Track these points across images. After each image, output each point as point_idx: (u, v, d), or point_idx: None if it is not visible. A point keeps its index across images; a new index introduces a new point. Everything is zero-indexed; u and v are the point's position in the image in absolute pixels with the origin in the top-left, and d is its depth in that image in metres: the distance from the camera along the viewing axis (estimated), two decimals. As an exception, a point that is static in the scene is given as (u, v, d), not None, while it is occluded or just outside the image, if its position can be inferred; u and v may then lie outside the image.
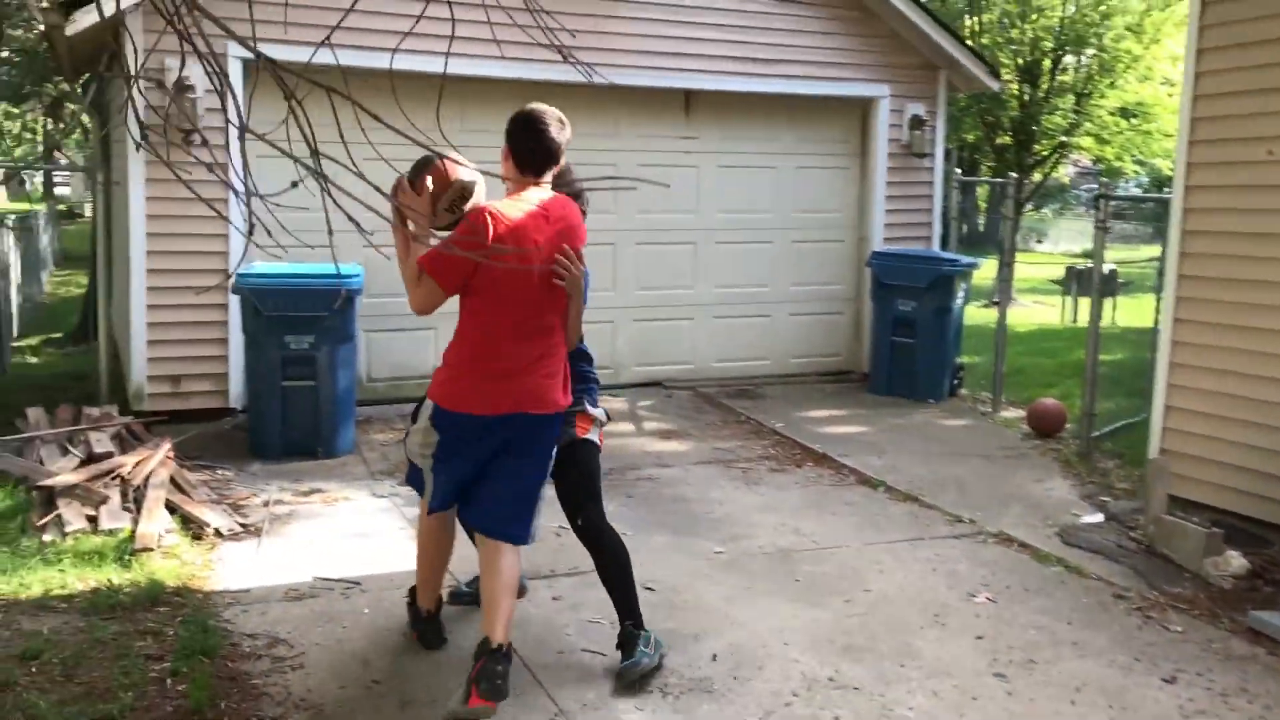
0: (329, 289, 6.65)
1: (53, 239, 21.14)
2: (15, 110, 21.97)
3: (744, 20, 8.78)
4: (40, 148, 25.61)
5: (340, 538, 5.51)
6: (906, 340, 8.92)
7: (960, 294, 8.99)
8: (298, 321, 6.66)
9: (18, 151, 27.63)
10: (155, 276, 7.29)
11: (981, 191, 33.35)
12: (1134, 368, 9.22)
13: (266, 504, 6.02)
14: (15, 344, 12.43)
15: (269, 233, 2.34)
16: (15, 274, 13.42)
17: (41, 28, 6.57)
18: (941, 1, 22.18)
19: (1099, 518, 6.15)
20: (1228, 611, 4.86)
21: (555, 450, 4.09)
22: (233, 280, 6.73)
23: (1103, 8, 19.74)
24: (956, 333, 9.13)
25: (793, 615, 4.67)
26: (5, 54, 16.08)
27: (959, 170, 10.64)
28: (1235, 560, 5.23)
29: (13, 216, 14.77)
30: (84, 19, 6.76)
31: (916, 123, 9.37)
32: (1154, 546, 5.59)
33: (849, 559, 5.38)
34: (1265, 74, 5.50)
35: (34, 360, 11.75)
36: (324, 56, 6.86)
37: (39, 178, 32.02)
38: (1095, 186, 30.24)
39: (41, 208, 21.86)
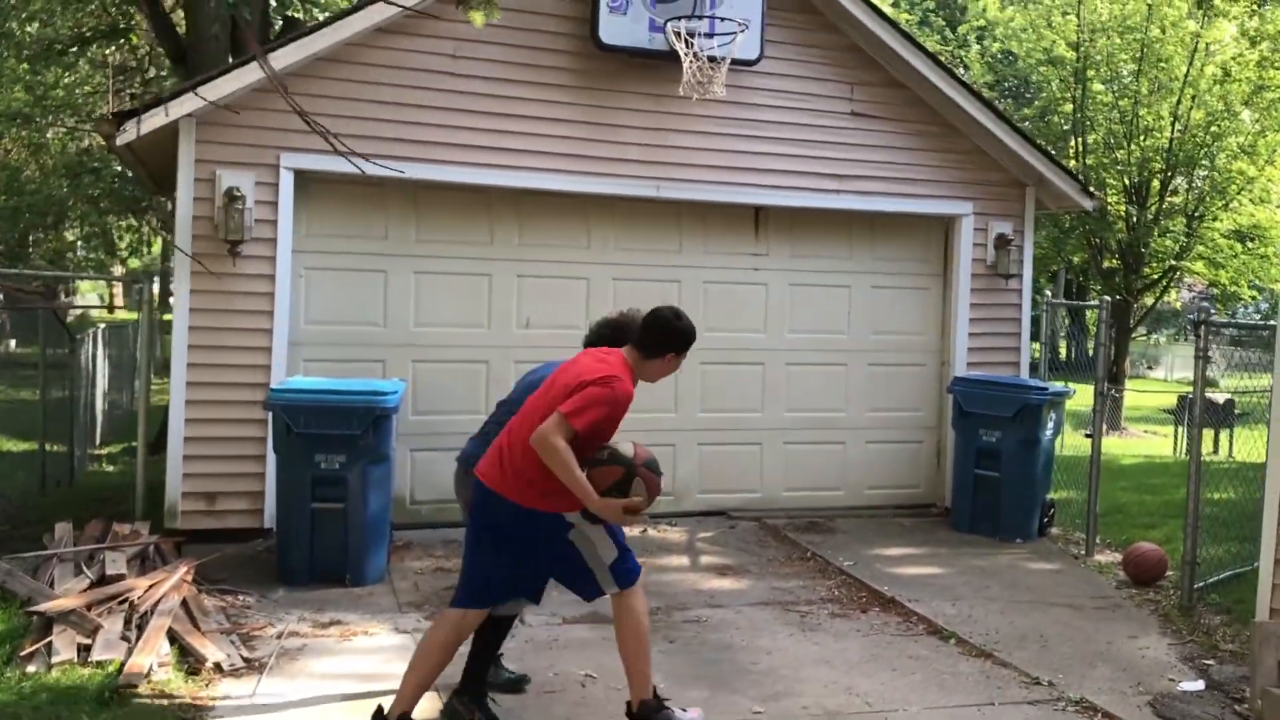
0: (363, 406, 6.37)
1: (155, 346, 21.68)
2: (135, 221, 22.65)
3: (816, 135, 8.45)
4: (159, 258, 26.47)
5: (347, 679, 5.09)
6: (991, 473, 8.26)
7: (1050, 424, 8.33)
8: (329, 440, 6.36)
9: (134, 263, 28.67)
10: (195, 390, 7.11)
11: (1091, 315, 32.37)
12: (1247, 509, 8.37)
13: (280, 635, 5.65)
14: (97, 451, 12.51)
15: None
16: (103, 381, 13.58)
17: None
18: (1043, 121, 21.75)
19: (1199, 685, 5.39)
20: (1353, 814, 4.10)
21: None
22: (266, 395, 6.49)
23: (1214, 128, 19.05)
24: (1046, 466, 8.44)
25: (829, 796, 4.07)
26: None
27: (1047, 293, 10.03)
28: (1362, 749, 4.46)
29: (104, 325, 15.05)
30: (132, 129, 6.72)
31: (1002, 242, 8.86)
32: (1264, 726, 4.83)
33: (904, 726, 4.76)
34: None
35: (110, 469, 11.74)
36: (384, 170, 6.63)
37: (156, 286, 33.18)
38: (1213, 311, 29.13)
39: (135, 316, 22.53)
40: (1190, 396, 13.65)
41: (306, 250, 7.48)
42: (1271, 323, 5.75)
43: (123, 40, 15.60)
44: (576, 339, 8.18)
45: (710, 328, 8.54)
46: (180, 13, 13.23)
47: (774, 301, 8.74)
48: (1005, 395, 8.19)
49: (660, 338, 4.76)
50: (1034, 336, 9.56)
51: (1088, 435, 8.28)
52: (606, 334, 5.24)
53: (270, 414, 6.49)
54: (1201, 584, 6.96)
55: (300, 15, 13.02)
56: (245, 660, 5.23)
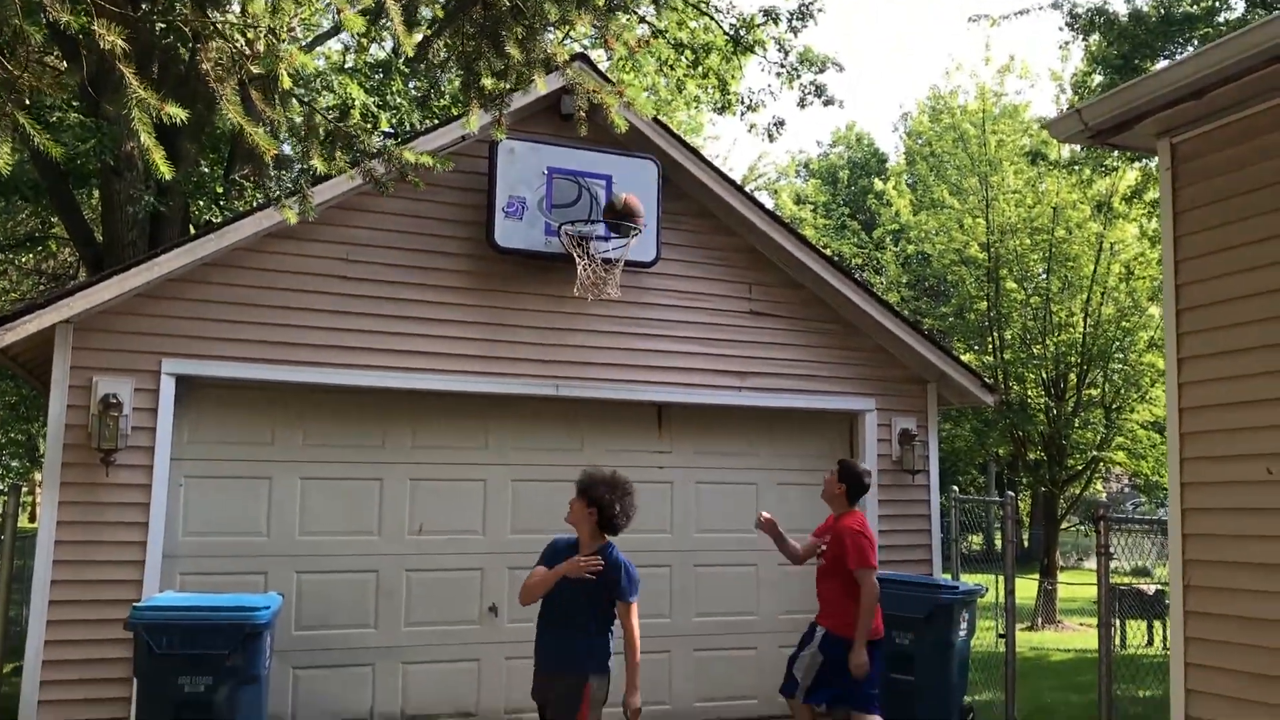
0: (231, 623, 5.99)
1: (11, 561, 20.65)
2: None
3: (716, 334, 8.48)
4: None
5: None
6: (905, 677, 7.94)
7: (964, 624, 8.09)
8: (194, 660, 5.95)
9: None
10: (57, 609, 6.66)
11: (1024, 505, 32.46)
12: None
13: None
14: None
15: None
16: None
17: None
18: (960, 318, 22.30)
19: None
20: None
21: None
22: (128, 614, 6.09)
23: (1125, 323, 19.61)
24: (962, 668, 8.15)
25: None
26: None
27: (954, 489, 9.98)
28: None
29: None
30: (9, 335, 6.52)
31: (906, 437, 8.82)
32: None
33: None
34: (1254, 384, 4.92)
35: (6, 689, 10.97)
36: (271, 373, 6.55)
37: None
38: (1141, 502, 29.26)
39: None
40: (1119, 588, 13.53)
41: (187, 458, 7.21)
42: (1162, 516, 5.67)
43: (40, 248, 15.56)
44: (472, 544, 7.96)
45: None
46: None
47: (679, 500, 8.55)
48: (916, 595, 7.96)
49: None
50: (944, 533, 9.39)
51: (1001, 635, 8.03)
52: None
53: (133, 634, 6.07)
54: (1125, 794, 6.65)
55: (219, 219, 13.11)
56: None
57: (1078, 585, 22.98)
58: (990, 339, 20.87)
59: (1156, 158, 5.55)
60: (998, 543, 28.18)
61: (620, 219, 7.56)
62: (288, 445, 7.53)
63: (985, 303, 21.16)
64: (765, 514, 6.77)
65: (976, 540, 32.40)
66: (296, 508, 7.50)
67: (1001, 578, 8.29)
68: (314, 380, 7.36)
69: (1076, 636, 17.74)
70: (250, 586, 7.17)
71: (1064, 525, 23.10)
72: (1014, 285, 21.05)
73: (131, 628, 6.01)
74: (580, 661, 5.31)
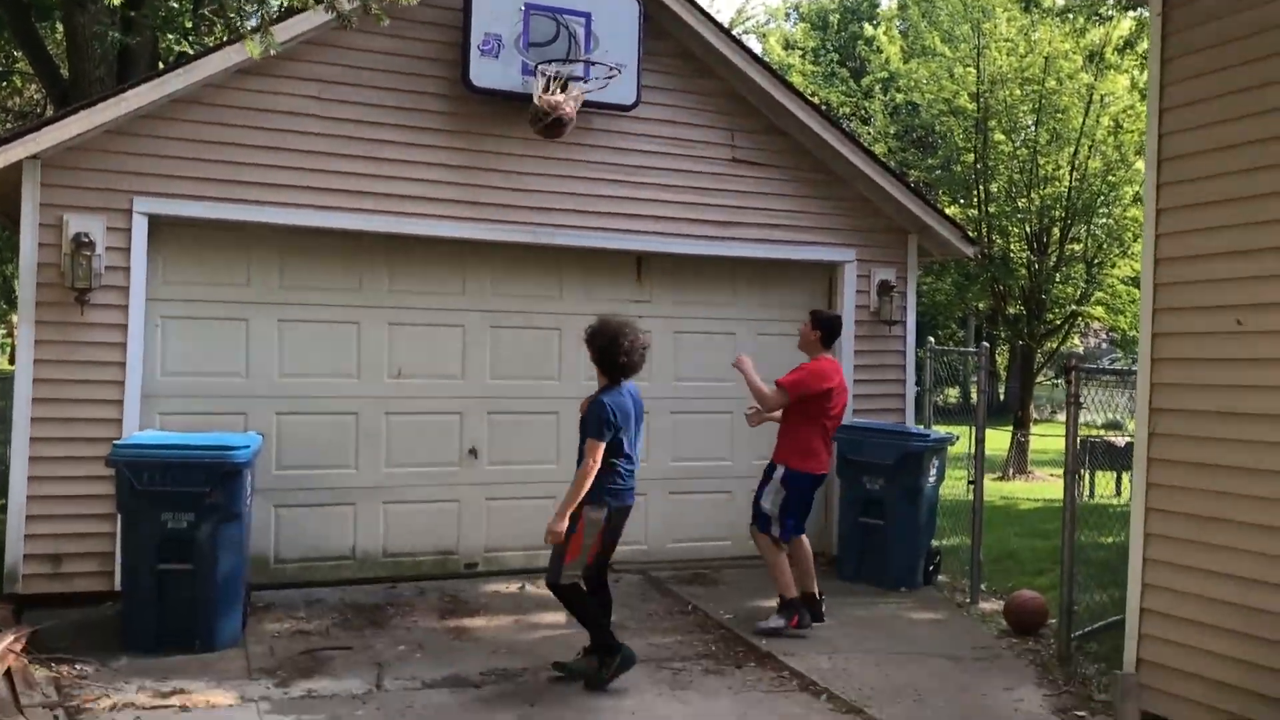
0: (211, 461, 6.06)
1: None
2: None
3: (698, 181, 8.37)
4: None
5: (175, 754, 4.76)
6: (875, 521, 8.16)
7: (933, 471, 8.27)
8: (175, 497, 6.04)
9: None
10: (39, 445, 6.73)
11: (1001, 360, 32.80)
12: (1132, 553, 8.38)
13: (114, 708, 5.31)
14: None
15: None
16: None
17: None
18: (947, 170, 22.10)
19: (1069, 739, 5.28)
20: None
21: None
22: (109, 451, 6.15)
23: (1111, 177, 19.49)
24: (930, 513, 8.37)
25: None
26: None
27: (930, 340, 10.04)
28: (1219, 805, 4.36)
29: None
30: (-27, 172, 6.40)
31: (885, 289, 8.83)
32: (1126, 781, 4.73)
33: (760, 792, 4.56)
34: (1229, 234, 4.92)
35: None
36: (245, 213, 6.53)
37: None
38: (1117, 357, 29.58)
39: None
40: (1090, 440, 13.80)
41: (162, 298, 7.17)
42: (1135, 369, 5.73)
43: (4, 83, 15.15)
44: (451, 388, 8.01)
45: (591, 376, 8.31)
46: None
47: (659, 349, 8.57)
48: (887, 443, 8.11)
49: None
50: (919, 383, 9.50)
51: (971, 482, 8.22)
52: None
53: (115, 470, 6.14)
54: (1081, 632, 6.90)
55: (191, 52, 12.73)
56: (65, 737, 4.88)
57: (1050, 438, 23.38)
58: (976, 192, 20.73)
59: (1149, 3, 5.41)
60: (974, 396, 28.61)
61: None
62: (264, 287, 7.49)
63: (972, 155, 20.94)
64: (744, 356, 7.17)
65: (953, 393, 32.87)
66: (275, 350, 7.51)
67: (973, 428, 8.42)
68: (289, 222, 7.27)
69: (1046, 487, 18.16)
70: (230, 427, 7.23)
71: (1039, 379, 23.41)
72: (1002, 137, 20.80)
73: (112, 464, 6.08)
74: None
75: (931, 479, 8.25)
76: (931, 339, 11.02)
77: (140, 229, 6.90)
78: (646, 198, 8.22)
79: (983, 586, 8.20)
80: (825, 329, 7.13)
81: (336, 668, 6.01)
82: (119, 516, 6.39)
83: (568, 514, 5.78)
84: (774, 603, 7.07)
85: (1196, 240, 5.08)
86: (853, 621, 7.26)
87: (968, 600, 8.01)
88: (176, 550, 6.10)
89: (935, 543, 8.63)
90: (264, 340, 7.49)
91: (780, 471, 7.05)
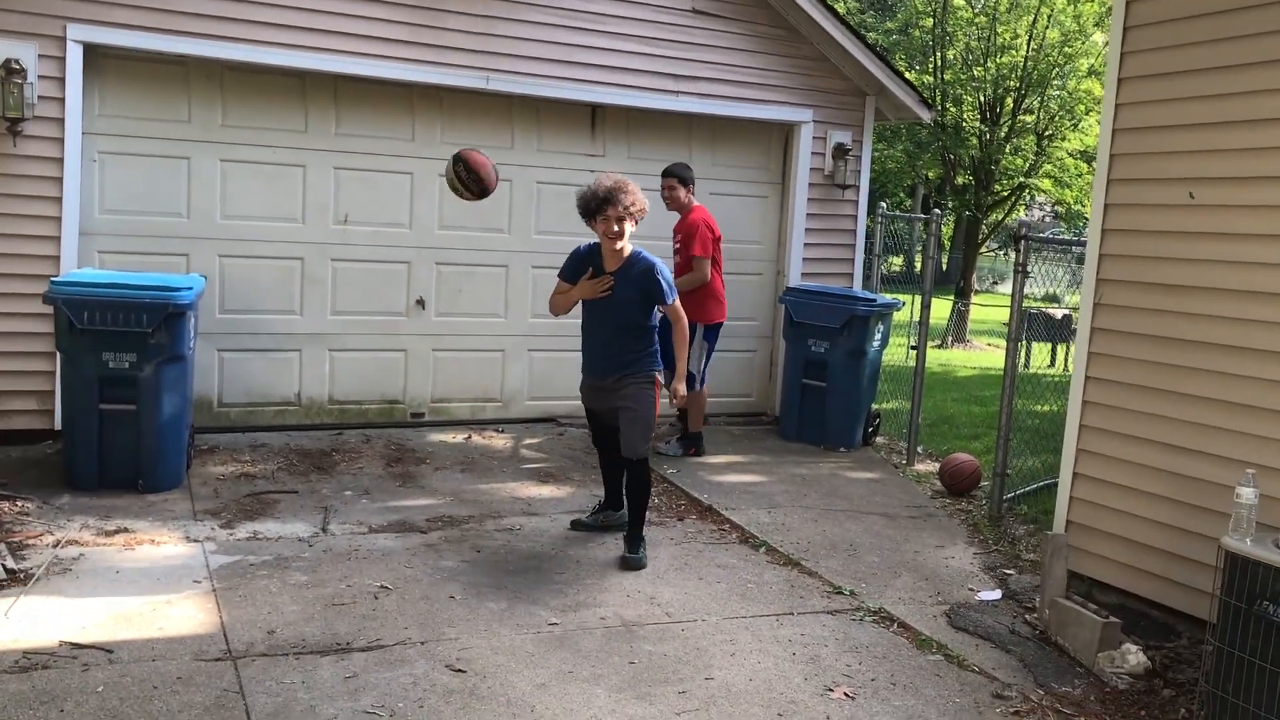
0: (154, 301, 5.94)
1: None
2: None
3: (657, 32, 8.16)
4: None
5: (123, 591, 4.77)
6: (818, 383, 8.28)
7: (878, 336, 8.36)
8: (117, 337, 5.93)
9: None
10: (-29, 281, 6.56)
11: (946, 230, 33.00)
12: (1065, 420, 8.60)
13: (57, 544, 5.29)
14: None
15: None
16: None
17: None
18: (905, 35, 21.80)
19: (997, 594, 5.50)
20: (1118, 719, 4.21)
21: None
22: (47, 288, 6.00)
23: (1067, 48, 19.36)
24: (873, 377, 8.50)
25: (609, 711, 3.97)
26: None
27: (883, 205, 10.04)
28: (1134, 656, 4.58)
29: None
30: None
31: (840, 152, 8.76)
32: (1049, 634, 4.95)
33: (700, 637, 4.70)
34: (1187, 107, 4.91)
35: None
36: (185, 46, 6.26)
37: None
38: (1060, 230, 29.98)
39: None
40: (1030, 311, 14.07)
41: (99, 133, 6.91)
42: (1085, 239, 5.79)
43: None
44: (399, 237, 7.89)
45: (543, 230, 8.30)
46: None
47: (610, 204, 8.48)
48: (834, 306, 8.17)
49: None
50: (870, 248, 9.53)
51: (913, 347, 8.34)
52: None
53: (54, 308, 6.01)
54: (1012, 494, 7.13)
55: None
56: (9, 572, 4.87)
57: (989, 308, 23.78)
58: (932, 58, 20.53)
59: None
60: (918, 264, 28.82)
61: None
62: (206, 124, 7.24)
63: (931, 19, 20.67)
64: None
65: (897, 262, 33.09)
66: (217, 190, 7.31)
67: (918, 296, 8.50)
68: (231, 57, 6.99)
69: (984, 355, 18.56)
70: (171, 267, 7.07)
71: (983, 250, 23.64)
72: (962, 2, 20.51)
73: (50, 301, 5.93)
74: (646, 362, 5.63)
75: (876, 343, 8.35)
76: (884, 204, 11.00)
77: (75, 57, 6.59)
78: (603, 46, 8.00)
79: (919, 449, 8.41)
80: (693, 179, 7.66)
81: (282, 511, 6.04)
82: (58, 355, 6.28)
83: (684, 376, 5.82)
84: (719, 458, 7.20)
85: (1156, 111, 5.07)
86: (793, 479, 7.42)
87: (904, 462, 8.22)
88: (118, 391, 6.03)
89: (875, 406, 8.79)
90: (206, 180, 7.27)
91: (700, 330, 7.48)
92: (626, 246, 5.56)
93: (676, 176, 7.57)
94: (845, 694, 4.24)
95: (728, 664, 4.43)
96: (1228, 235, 4.74)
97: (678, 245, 7.67)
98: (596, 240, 5.64)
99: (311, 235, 7.59)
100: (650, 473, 5.84)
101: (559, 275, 5.74)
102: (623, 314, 5.57)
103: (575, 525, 6.06)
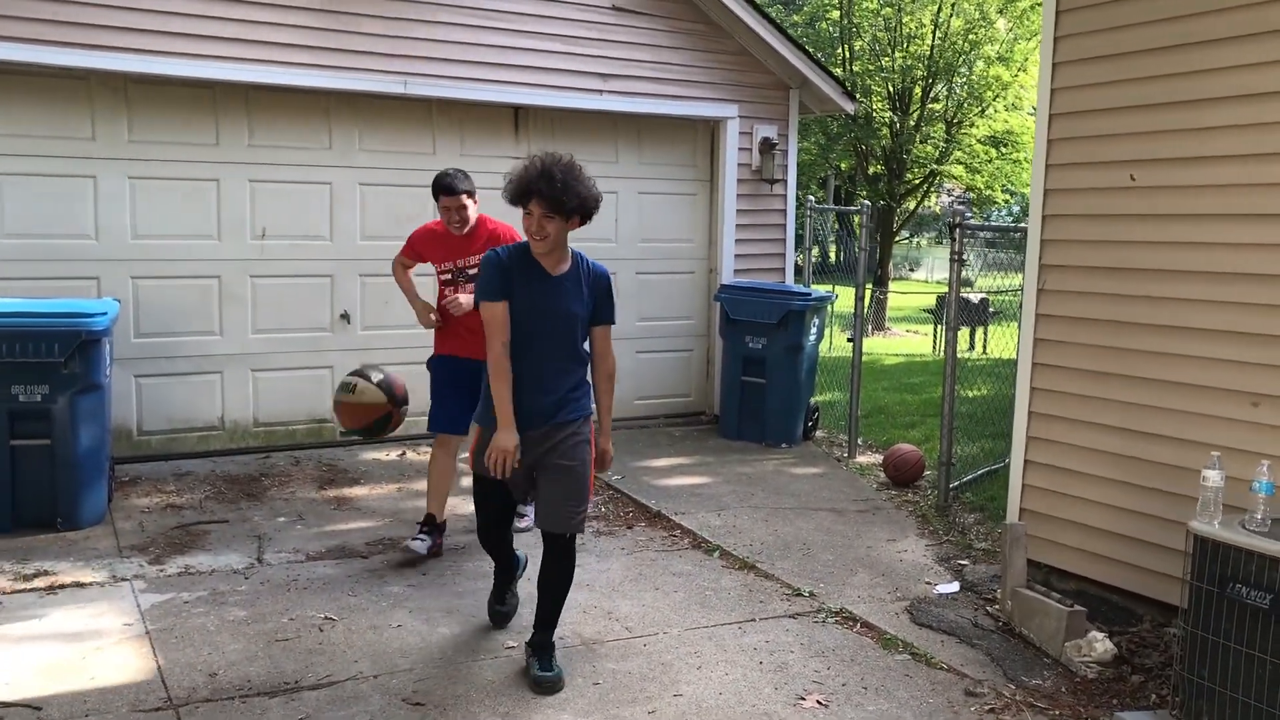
0: (66, 330, 5.61)
1: None
2: None
3: (579, 31, 8.00)
4: None
5: (48, 639, 4.47)
6: (757, 380, 8.20)
7: (814, 330, 8.32)
8: (27, 369, 5.59)
9: None
10: None
11: (858, 220, 33.38)
12: (999, 405, 8.64)
13: (-32, 593, 4.96)
14: None
15: None
16: None
17: None
18: (812, 28, 21.90)
19: (955, 587, 5.45)
20: (1091, 710, 4.17)
21: None
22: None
23: (971, 36, 19.61)
24: (810, 371, 8.45)
25: (579, 736, 3.82)
26: None
27: (811, 199, 10.01)
28: (1100, 644, 4.55)
29: None
30: None
31: (766, 146, 8.70)
32: (1013, 625, 4.90)
33: (664, 650, 4.56)
34: (1122, 90, 4.90)
35: None
36: (86, 59, 5.93)
37: None
38: (969, 215, 30.50)
39: None
40: (944, 297, 14.18)
41: (-3, 153, 6.55)
42: (1023, 225, 5.77)
43: None
44: (319, 250, 7.61)
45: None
46: None
47: (537, 208, 8.30)
48: (769, 302, 8.09)
49: None
50: (799, 242, 9.49)
51: (850, 339, 8.30)
52: None
53: (-45, 341, 5.64)
54: (957, 483, 7.12)
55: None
56: (-79, 626, 4.54)
57: (905, 294, 24.06)
58: (841, 50, 20.66)
59: None
60: (833, 255, 29.06)
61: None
62: (112, 141, 6.89)
63: (838, 12, 20.80)
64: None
65: (814, 253, 33.40)
66: (127, 209, 6.96)
67: (843, 287, 8.47)
68: (134, 69, 6.66)
69: (904, 342, 18.73)
70: (82, 292, 6.73)
71: (896, 238, 23.89)
72: (868, -7, 20.67)
73: (-51, 335, 5.58)
74: (581, 402, 4.24)
75: (812, 337, 8.30)
76: (812, 198, 10.98)
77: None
78: (525, 46, 7.82)
79: (859, 440, 8.38)
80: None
81: (213, 542, 5.76)
82: (-35, 391, 5.90)
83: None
84: (662, 461, 7.07)
85: (1092, 95, 5.05)
86: (738, 479, 7.32)
87: (846, 455, 8.17)
88: (31, 425, 5.68)
89: (814, 399, 8.74)
90: (114, 199, 6.92)
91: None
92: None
93: (467, 191, 5.54)
94: (818, 702, 4.14)
95: (695, 678, 4.30)
96: (1169, 216, 4.74)
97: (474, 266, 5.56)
98: (519, 241, 4.29)
99: (228, 252, 7.28)
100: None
101: (484, 299, 4.11)
102: (572, 334, 4.18)
103: (496, 619, 4.75)
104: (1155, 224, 4.80)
